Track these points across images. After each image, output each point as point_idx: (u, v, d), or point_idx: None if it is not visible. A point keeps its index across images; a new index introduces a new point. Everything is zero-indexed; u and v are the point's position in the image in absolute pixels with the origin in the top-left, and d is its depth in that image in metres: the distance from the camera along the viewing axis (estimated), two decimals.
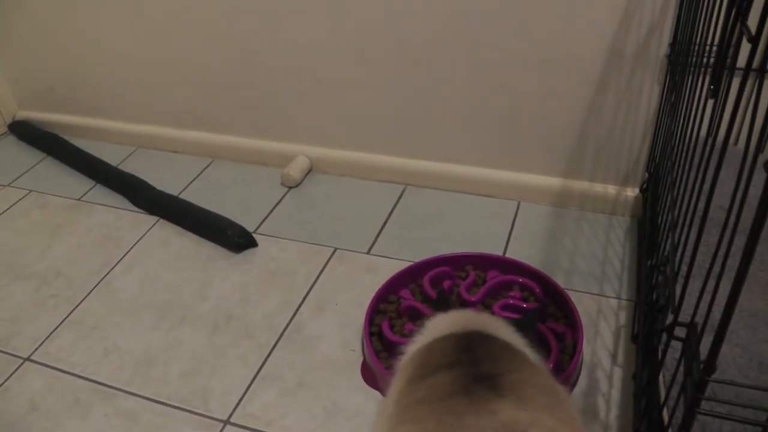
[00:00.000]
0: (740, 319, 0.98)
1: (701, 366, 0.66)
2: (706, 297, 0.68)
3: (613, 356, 1.25)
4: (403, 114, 1.63)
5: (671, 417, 0.83)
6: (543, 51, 1.41)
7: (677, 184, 0.97)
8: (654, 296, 1.00)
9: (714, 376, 0.64)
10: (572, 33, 1.37)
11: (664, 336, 0.84)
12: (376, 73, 1.59)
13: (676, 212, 0.92)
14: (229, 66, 1.74)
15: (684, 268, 0.84)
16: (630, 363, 1.23)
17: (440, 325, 0.91)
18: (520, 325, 0.93)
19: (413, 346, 0.89)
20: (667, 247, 1.06)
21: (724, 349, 0.74)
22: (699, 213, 0.73)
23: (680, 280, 0.81)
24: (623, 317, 1.32)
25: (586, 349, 1.24)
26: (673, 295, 0.80)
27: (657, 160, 1.40)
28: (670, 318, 0.82)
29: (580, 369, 1.21)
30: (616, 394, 1.18)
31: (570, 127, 1.49)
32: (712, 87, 0.64)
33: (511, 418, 0.66)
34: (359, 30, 1.54)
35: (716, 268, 0.63)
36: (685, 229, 0.81)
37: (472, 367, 0.74)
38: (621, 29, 1.32)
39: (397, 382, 0.84)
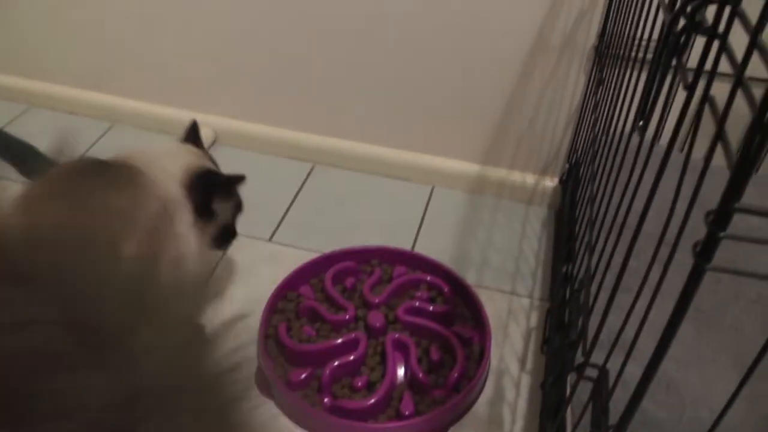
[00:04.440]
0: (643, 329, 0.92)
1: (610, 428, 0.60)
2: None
3: (522, 362, 1.19)
4: (315, 88, 1.50)
5: None
6: (466, 37, 1.31)
7: (596, 194, 0.90)
8: (566, 318, 0.94)
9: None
10: (497, 20, 1.27)
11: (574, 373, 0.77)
12: (286, 44, 1.45)
13: (596, 230, 0.85)
14: (127, 22, 1.56)
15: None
16: (539, 369, 1.17)
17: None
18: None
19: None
20: (583, 265, 0.99)
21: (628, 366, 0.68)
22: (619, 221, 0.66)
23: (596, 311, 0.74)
24: (534, 318, 1.26)
25: (494, 352, 1.18)
26: (585, 332, 0.73)
27: (578, 153, 1.33)
28: (579, 356, 0.75)
29: (487, 375, 1.15)
30: (522, 404, 1.13)
31: (490, 113, 1.40)
32: (641, 123, 0.56)
33: None
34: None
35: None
36: (602, 242, 0.74)
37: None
38: (548, 17, 1.23)
39: None
